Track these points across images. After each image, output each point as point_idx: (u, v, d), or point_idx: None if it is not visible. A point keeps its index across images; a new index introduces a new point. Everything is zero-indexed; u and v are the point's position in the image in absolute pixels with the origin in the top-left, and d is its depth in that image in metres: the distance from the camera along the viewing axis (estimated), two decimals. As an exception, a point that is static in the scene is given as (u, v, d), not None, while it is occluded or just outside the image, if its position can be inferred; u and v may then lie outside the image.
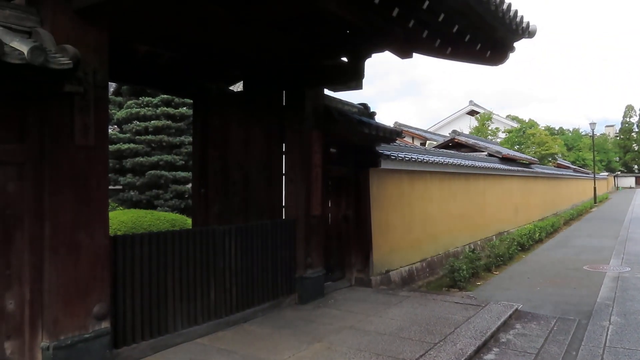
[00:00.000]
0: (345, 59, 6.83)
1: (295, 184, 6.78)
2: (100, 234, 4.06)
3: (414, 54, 6.75)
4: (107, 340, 4.08)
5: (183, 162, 15.27)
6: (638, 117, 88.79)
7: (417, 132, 33.67)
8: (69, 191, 3.84)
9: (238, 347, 4.93)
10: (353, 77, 6.81)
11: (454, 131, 23.17)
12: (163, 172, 14.83)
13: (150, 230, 13.22)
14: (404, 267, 9.59)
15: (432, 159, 11.06)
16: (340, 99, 8.02)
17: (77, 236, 3.89)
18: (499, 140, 33.64)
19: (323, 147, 7.07)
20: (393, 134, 8.37)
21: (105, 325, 4.09)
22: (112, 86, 18.92)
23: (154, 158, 14.87)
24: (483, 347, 5.28)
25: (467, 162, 13.22)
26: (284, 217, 6.93)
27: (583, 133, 64.58)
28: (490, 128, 37.63)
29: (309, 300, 6.72)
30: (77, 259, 3.89)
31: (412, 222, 10.16)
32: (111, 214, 13.76)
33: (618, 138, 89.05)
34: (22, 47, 3.08)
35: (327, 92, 7.40)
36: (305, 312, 6.32)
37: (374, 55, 6.76)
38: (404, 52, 6.64)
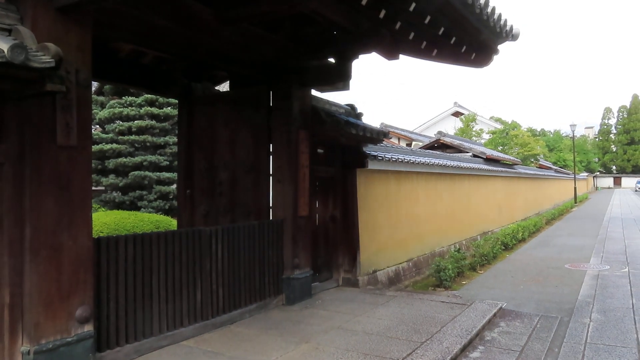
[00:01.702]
0: (332, 60, 6.82)
1: (283, 185, 6.74)
2: (83, 236, 3.98)
3: (401, 55, 6.77)
4: (90, 344, 4.00)
5: (168, 163, 15.13)
6: (616, 119, 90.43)
7: (403, 132, 33.83)
8: (50, 192, 3.75)
9: (225, 349, 4.87)
10: (340, 78, 6.80)
11: (440, 132, 23.30)
12: (147, 173, 14.68)
13: (133, 231, 13.07)
14: (391, 267, 9.60)
15: (419, 160, 11.09)
16: (328, 100, 8.00)
17: (58, 238, 3.80)
18: (482, 141, 33.91)
19: (310, 147, 7.04)
20: (380, 135, 8.37)
21: (89, 328, 4.01)
22: (94, 85, 18.69)
23: (138, 159, 14.71)
24: (469, 346, 5.30)
25: (452, 163, 13.30)
26: (271, 218, 6.88)
27: (564, 135, 65.48)
28: (474, 129, 37.94)
29: (296, 301, 6.68)
30: (58, 262, 3.80)
31: (399, 222, 10.18)
32: (94, 216, 13.57)
33: (597, 140, 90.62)
34: (1, 44, 2.99)
35: (314, 93, 7.37)
36: (292, 313, 6.28)
37: (361, 56, 6.77)
38: (391, 53, 6.64)
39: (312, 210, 7.36)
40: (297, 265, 6.76)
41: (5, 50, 2.98)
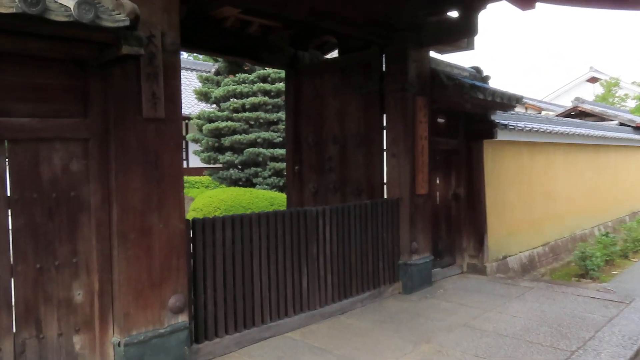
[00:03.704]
0: (454, 14, 5.85)
1: (398, 159, 5.98)
2: (175, 218, 3.61)
3: (537, 3, 5.60)
4: (184, 336, 3.65)
5: (281, 139, 14.99)
6: None
7: (530, 101, 30.86)
8: (137, 170, 3.40)
9: (333, 345, 4.31)
10: (464, 34, 5.82)
11: (577, 98, 20.72)
12: (261, 150, 14.67)
13: (249, 208, 13.16)
14: (524, 252, 8.43)
15: (556, 129, 9.61)
16: (449, 62, 7.01)
17: (148, 220, 3.46)
18: (628, 108, 29.77)
19: (429, 116, 6.18)
20: (512, 100, 7.19)
21: (183, 318, 3.66)
22: (213, 66, 19.16)
23: (252, 135, 14.73)
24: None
25: (596, 132, 11.45)
26: (385, 197, 6.18)
27: None
28: (617, 95, 33.51)
29: (414, 289, 5.95)
30: (148, 246, 3.46)
31: (533, 201, 8.90)
32: (211, 192, 13.95)
33: None
34: (68, 1, 2.59)
35: (433, 55, 6.46)
36: (410, 304, 5.57)
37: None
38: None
39: (432, 187, 6.52)
40: (415, 249, 6.00)
41: (72, 8, 2.58)
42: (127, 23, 2.80)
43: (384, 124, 6.23)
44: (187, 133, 18.65)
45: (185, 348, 3.65)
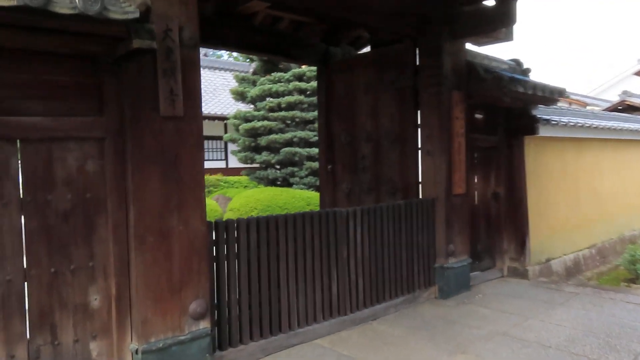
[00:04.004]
0: (490, 2, 5.50)
1: (433, 157, 5.68)
2: (196, 219, 3.45)
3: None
4: (206, 343, 3.49)
5: (317, 138, 14.81)
6: None
7: (574, 96, 29.62)
8: (154, 170, 3.26)
9: (363, 354, 4.07)
10: (502, 23, 5.45)
11: (625, 92, 19.74)
12: (297, 149, 14.54)
13: (286, 208, 13.05)
14: (569, 255, 7.94)
15: (604, 124, 9.05)
16: (486, 55, 6.64)
17: (166, 222, 3.31)
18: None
19: (466, 112, 5.84)
20: (554, 94, 6.74)
21: (205, 325, 3.50)
22: (250, 66, 19.17)
23: (288, 135, 14.62)
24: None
25: (648, 127, 10.76)
26: (420, 197, 5.89)
27: None
28: (670, 87, 31.74)
29: (451, 294, 5.64)
30: (167, 249, 3.32)
31: (579, 200, 8.38)
32: (248, 192, 13.91)
33: None
34: (73, -9, 2.47)
35: (469, 48, 6.12)
36: (446, 310, 5.27)
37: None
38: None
39: (470, 186, 6.18)
40: (452, 252, 5.69)
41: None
42: (137, 15, 2.66)
43: (419, 121, 5.94)
44: (225, 133, 18.76)
45: (207, 356, 3.50)
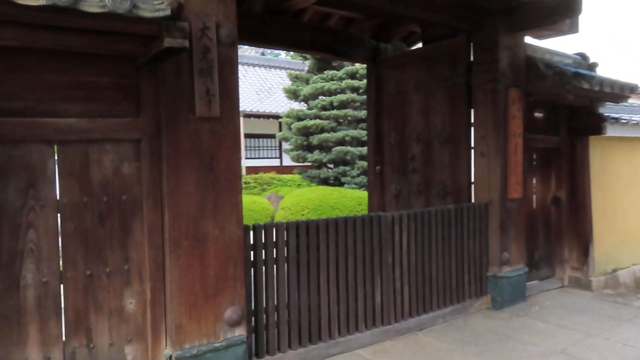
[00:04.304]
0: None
1: (488, 159, 5.34)
2: (232, 224, 3.35)
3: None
4: (242, 350, 3.39)
5: (368, 137, 14.59)
6: None
7: (648, 92, 27.67)
8: (190, 173, 3.18)
9: (407, 368, 3.86)
10: (565, 14, 5.05)
11: None
12: (349, 148, 14.36)
13: (337, 208, 12.91)
14: (638, 265, 7.31)
15: (683, 122, 8.28)
16: (548, 49, 6.19)
17: (202, 226, 3.23)
18: None
19: (524, 110, 5.46)
20: (625, 90, 6.19)
21: (240, 332, 3.40)
22: (304, 64, 19.13)
23: (340, 134, 14.46)
24: None
25: None
26: (472, 200, 5.57)
27: None
28: None
29: (505, 305, 5.30)
30: (202, 254, 3.23)
31: (652, 206, 7.71)
32: (299, 191, 13.88)
33: None
34: (102, -10, 2.40)
35: (529, 41, 5.72)
36: (499, 322, 4.94)
37: None
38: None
39: (527, 190, 5.78)
40: (507, 260, 5.33)
41: (107, -2, 2.37)
42: (168, 12, 2.56)
43: (472, 120, 5.61)
44: (280, 131, 18.88)
45: (242, 364, 3.39)
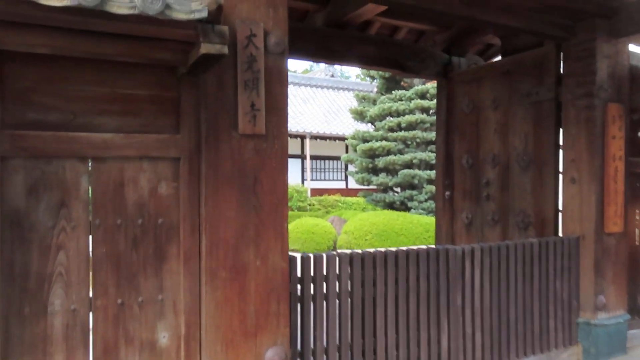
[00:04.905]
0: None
1: (580, 186, 4.65)
2: (275, 254, 2.98)
3: None
4: (284, 400, 2.97)
5: (439, 160, 13.91)
6: None
7: None
8: (230, 195, 2.85)
9: None
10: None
11: None
12: (417, 171, 13.74)
13: (402, 234, 12.32)
14: None
15: None
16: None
17: (242, 256, 2.88)
18: None
19: (627, 129, 4.73)
20: None
21: (283, 377, 2.99)
22: (371, 82, 18.79)
23: (407, 156, 13.89)
24: None
25: None
26: (560, 234, 4.88)
27: None
28: None
29: (600, 357, 4.53)
30: (241, 287, 2.87)
31: None
32: (363, 215, 13.40)
33: None
34: (130, -11, 2.14)
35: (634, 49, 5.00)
36: (592, 379, 4.19)
37: None
38: None
39: (630, 223, 5.00)
40: (603, 305, 4.57)
41: (135, -3, 2.11)
42: (205, 14, 2.26)
43: (561, 141, 4.95)
44: (347, 153, 18.62)
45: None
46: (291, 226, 12.83)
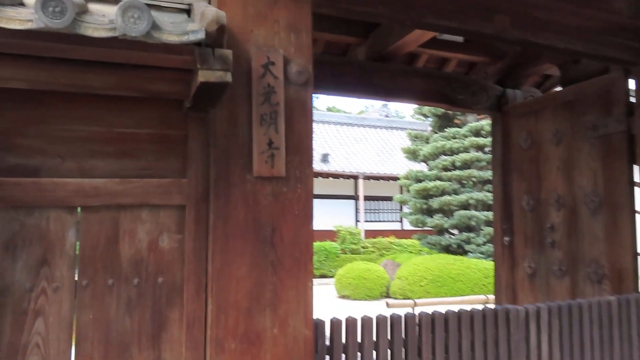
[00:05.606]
0: None
1: (662, 232, 3.94)
2: (297, 319, 2.49)
3: None
4: None
5: (495, 201, 13.05)
6: None
7: None
8: (242, 249, 2.41)
9: None
10: None
11: None
12: (474, 213, 12.95)
13: (459, 280, 11.50)
14: None
15: None
16: None
17: (256, 322, 2.41)
18: None
19: None
20: None
21: None
22: (426, 120, 18.24)
23: (463, 196, 13.14)
24: None
25: None
26: (641, 288, 4.14)
27: None
28: None
29: None
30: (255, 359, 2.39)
31: None
32: (418, 259, 12.64)
33: None
34: (110, 8, 1.80)
35: None
36: None
37: None
38: None
39: None
40: (703, 378, 3.75)
41: (115, 16, 1.77)
42: (202, 36, 1.90)
43: (636, 178, 4.27)
44: (401, 193, 18.03)
45: None
46: (342, 271, 12.29)
